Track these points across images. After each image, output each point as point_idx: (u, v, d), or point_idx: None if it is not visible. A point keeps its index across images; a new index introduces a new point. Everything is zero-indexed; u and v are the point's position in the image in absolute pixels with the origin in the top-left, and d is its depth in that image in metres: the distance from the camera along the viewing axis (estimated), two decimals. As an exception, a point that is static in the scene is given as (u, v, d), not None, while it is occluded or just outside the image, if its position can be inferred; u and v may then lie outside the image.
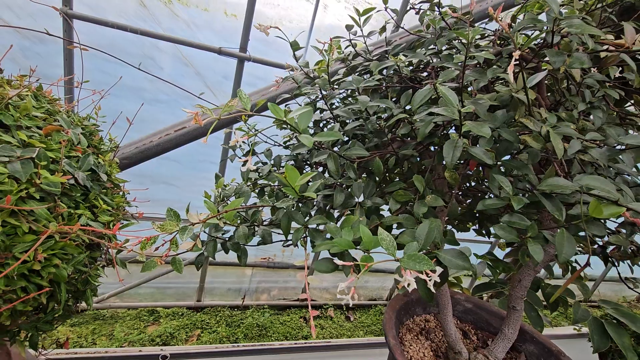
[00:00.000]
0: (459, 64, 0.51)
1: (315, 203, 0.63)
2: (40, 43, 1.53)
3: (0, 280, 0.31)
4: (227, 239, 0.64)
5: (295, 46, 0.65)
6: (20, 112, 0.43)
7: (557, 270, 1.11)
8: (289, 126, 0.54)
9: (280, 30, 0.74)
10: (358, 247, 0.45)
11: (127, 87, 1.75)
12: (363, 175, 0.72)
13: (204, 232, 0.63)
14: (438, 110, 0.42)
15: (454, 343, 0.69)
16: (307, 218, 0.59)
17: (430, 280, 0.37)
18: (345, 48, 0.77)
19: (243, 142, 0.82)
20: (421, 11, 0.69)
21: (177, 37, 1.66)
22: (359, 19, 0.69)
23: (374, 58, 0.67)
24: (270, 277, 2.79)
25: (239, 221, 0.63)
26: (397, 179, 0.71)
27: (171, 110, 1.64)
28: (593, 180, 0.37)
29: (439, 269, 0.38)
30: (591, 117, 0.59)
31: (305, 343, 1.54)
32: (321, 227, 0.64)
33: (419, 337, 0.76)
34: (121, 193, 0.60)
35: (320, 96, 0.64)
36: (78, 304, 0.51)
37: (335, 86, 0.66)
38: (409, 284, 0.35)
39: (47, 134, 0.45)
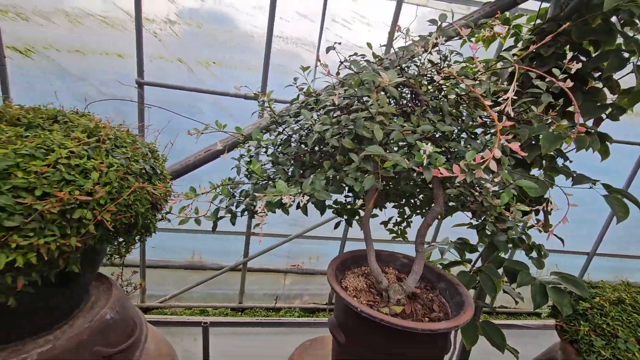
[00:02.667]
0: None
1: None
2: (126, 104, 2.16)
3: (119, 204, 0.76)
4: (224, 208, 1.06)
5: (257, 97, 1.08)
6: (121, 140, 0.92)
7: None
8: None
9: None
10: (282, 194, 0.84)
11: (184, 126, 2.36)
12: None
13: (213, 203, 1.05)
14: (310, 120, 0.82)
15: (377, 275, 1.02)
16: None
17: (302, 202, 0.75)
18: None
19: (243, 155, 1.26)
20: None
21: (214, 90, 2.24)
22: (304, 72, 1.13)
23: (316, 94, 1.10)
24: (302, 284, 3.14)
25: (231, 196, 1.04)
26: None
27: (209, 141, 2.18)
28: (375, 148, 0.72)
29: (307, 197, 0.76)
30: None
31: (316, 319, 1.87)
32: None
33: (359, 277, 1.09)
34: (170, 183, 1.06)
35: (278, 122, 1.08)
36: (146, 234, 0.96)
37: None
38: (287, 203, 0.74)
39: (133, 150, 0.92)
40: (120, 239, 0.88)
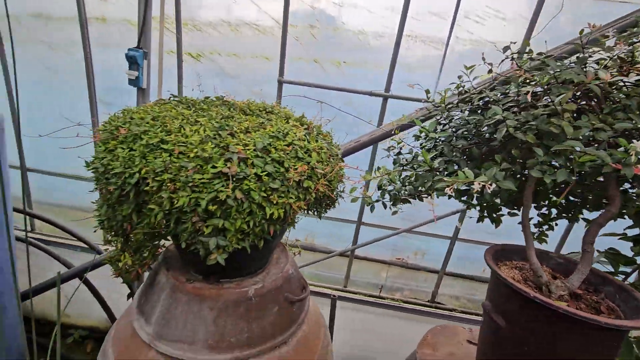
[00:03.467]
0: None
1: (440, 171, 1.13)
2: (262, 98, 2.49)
3: (327, 180, 0.96)
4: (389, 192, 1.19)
5: (428, 93, 1.19)
6: (318, 128, 1.13)
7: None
8: (423, 130, 1.08)
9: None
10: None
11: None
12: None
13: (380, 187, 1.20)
14: (497, 114, 0.87)
15: (536, 269, 1.04)
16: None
17: (488, 188, 0.83)
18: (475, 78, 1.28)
19: (393, 146, 1.39)
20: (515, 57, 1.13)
21: (343, 87, 2.44)
22: (467, 72, 1.19)
23: (477, 91, 1.16)
24: (404, 278, 3.20)
25: (397, 182, 1.18)
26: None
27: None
28: (574, 143, 0.75)
29: (494, 185, 0.83)
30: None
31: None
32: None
33: (513, 270, 1.12)
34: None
35: (442, 116, 1.16)
36: (332, 205, 1.15)
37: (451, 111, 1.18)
38: (476, 190, 0.83)
39: (325, 137, 1.13)
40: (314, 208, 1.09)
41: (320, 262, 3.10)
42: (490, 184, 0.85)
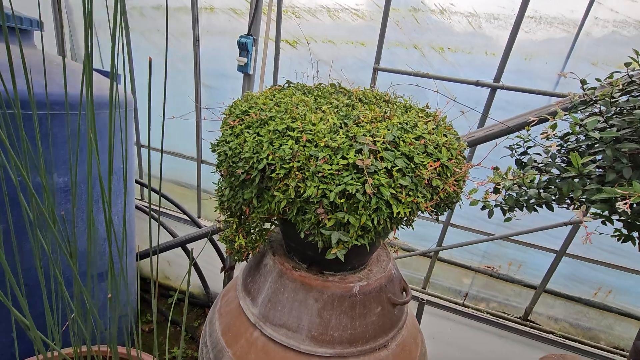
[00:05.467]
0: None
1: (591, 177, 0.94)
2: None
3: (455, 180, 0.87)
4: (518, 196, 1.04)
5: (584, 83, 0.98)
6: (444, 120, 1.02)
7: None
8: (577, 126, 0.89)
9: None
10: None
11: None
12: None
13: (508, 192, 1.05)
14: None
15: None
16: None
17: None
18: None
19: (518, 144, 1.21)
20: None
21: (444, 76, 2.24)
22: (637, 58, 0.96)
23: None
24: (491, 289, 2.91)
25: (529, 187, 1.02)
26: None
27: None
28: None
29: None
30: None
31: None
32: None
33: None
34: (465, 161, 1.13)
35: (597, 111, 0.96)
36: (448, 207, 1.05)
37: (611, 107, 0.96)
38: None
39: (450, 132, 1.02)
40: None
41: (400, 260, 2.98)
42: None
